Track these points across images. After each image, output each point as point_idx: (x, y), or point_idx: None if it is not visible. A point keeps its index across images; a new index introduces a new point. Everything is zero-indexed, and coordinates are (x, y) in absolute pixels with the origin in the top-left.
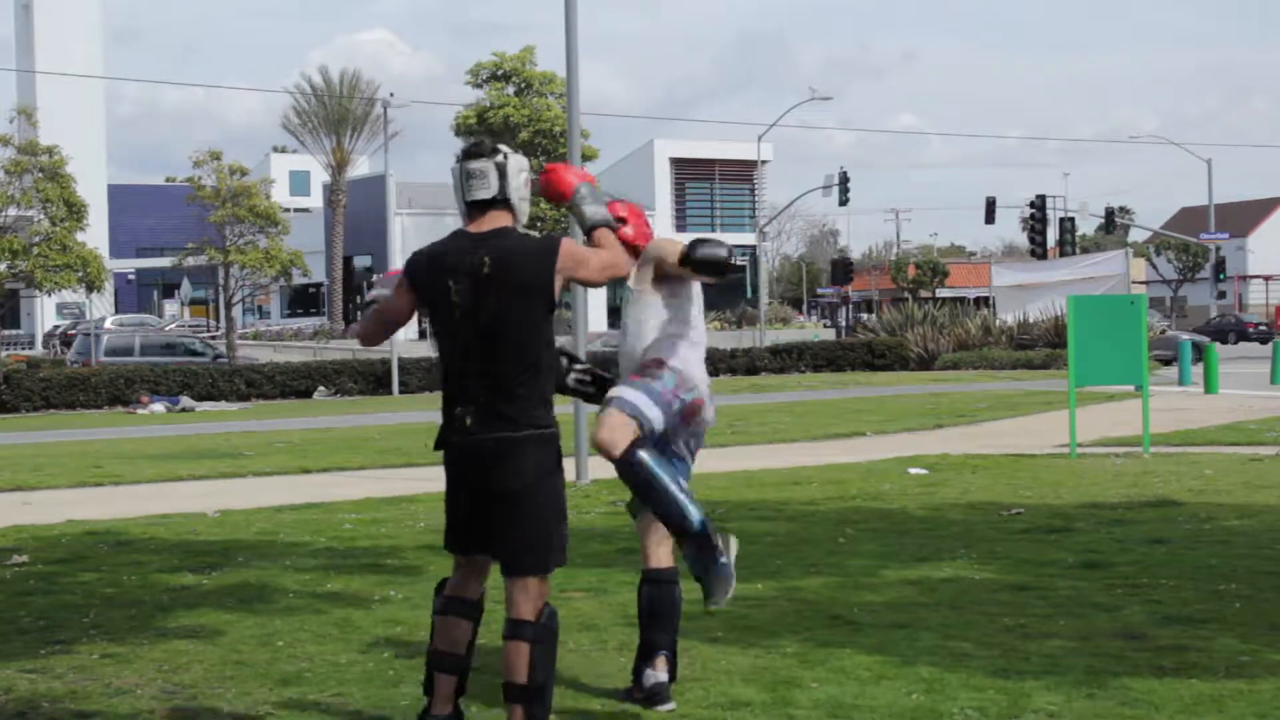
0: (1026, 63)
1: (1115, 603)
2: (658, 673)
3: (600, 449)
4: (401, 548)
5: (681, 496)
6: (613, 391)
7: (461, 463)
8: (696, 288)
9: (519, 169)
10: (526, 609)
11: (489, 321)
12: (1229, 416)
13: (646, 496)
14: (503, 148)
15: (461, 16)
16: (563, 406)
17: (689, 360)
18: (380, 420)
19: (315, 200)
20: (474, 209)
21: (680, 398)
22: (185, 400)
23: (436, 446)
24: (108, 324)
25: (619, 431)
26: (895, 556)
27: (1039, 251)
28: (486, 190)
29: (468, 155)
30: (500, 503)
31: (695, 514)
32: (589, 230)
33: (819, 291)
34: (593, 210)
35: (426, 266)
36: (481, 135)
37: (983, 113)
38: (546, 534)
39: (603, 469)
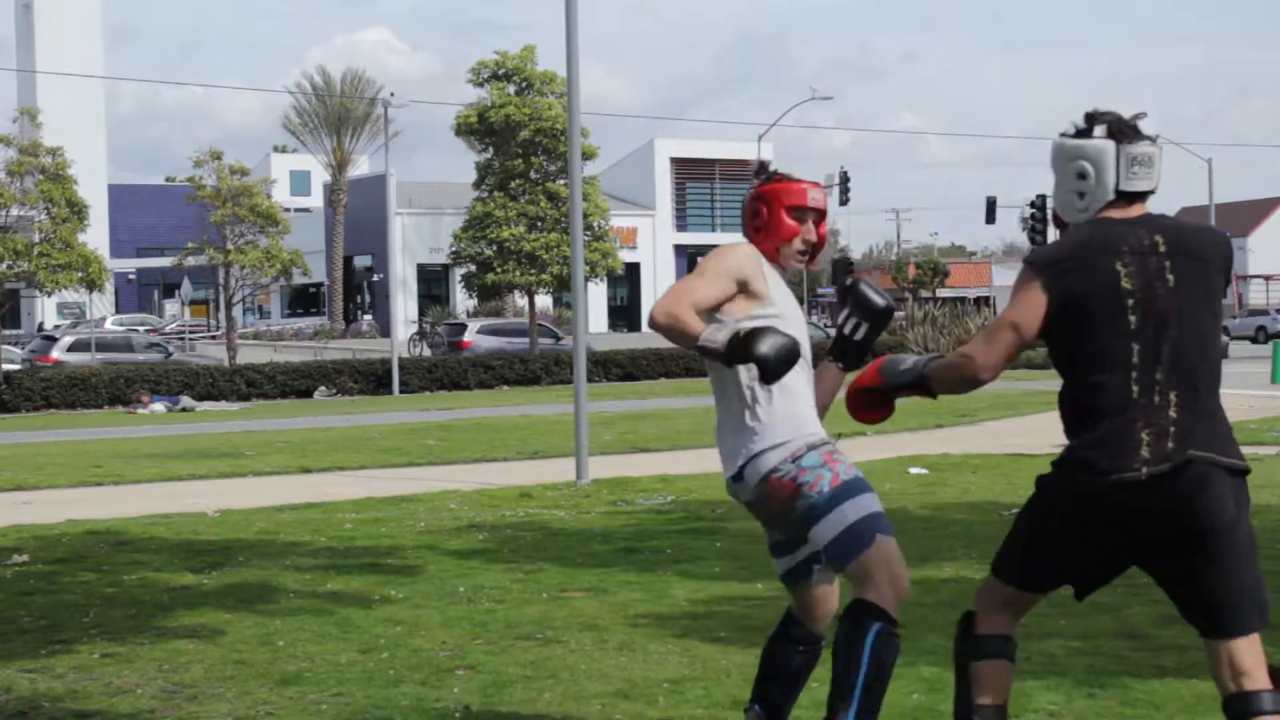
0: (1026, 63)
1: (1116, 603)
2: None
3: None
4: (401, 548)
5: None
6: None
7: (1147, 497)
8: None
9: None
10: (1263, 675)
11: (1174, 310)
12: (1229, 416)
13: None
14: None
15: (461, 16)
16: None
17: None
18: (380, 420)
19: (316, 200)
20: (1122, 199)
21: None
22: (185, 400)
23: (1083, 486)
24: (108, 324)
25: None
26: None
27: None
28: (1149, 181)
29: (1129, 137)
30: (1202, 543)
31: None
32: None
33: (819, 291)
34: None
35: (1074, 254)
36: (1095, 113)
37: (983, 113)
38: (1257, 576)
39: (603, 470)
